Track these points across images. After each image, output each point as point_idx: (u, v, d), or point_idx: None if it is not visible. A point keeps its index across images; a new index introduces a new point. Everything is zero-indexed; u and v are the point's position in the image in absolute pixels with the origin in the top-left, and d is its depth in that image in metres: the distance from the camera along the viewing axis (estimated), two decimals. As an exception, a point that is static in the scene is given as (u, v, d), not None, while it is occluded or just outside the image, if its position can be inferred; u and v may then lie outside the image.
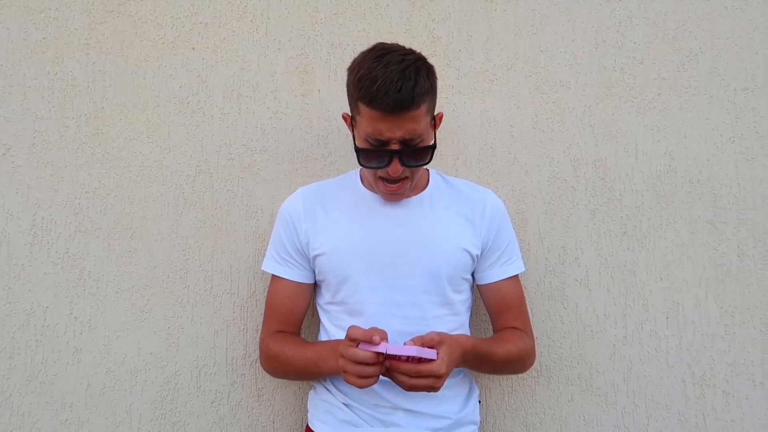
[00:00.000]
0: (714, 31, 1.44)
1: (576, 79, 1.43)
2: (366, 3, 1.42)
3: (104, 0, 1.36)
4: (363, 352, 0.95)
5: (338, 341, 1.09)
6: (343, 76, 1.39)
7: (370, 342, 0.94)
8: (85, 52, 1.34)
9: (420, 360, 0.96)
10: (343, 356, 0.97)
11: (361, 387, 0.97)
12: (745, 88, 1.42)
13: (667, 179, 1.41)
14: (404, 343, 0.98)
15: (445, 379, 0.98)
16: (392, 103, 0.99)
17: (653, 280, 1.39)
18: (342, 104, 1.38)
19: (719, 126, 1.42)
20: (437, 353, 0.97)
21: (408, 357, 0.95)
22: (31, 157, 1.31)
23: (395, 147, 1.04)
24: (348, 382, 0.97)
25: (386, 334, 0.99)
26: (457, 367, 1.08)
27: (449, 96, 1.41)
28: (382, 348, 0.93)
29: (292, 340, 1.18)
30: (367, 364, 0.95)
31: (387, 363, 0.97)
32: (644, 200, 1.41)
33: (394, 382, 0.99)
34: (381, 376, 0.98)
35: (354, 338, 0.96)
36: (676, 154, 1.42)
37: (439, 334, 1.01)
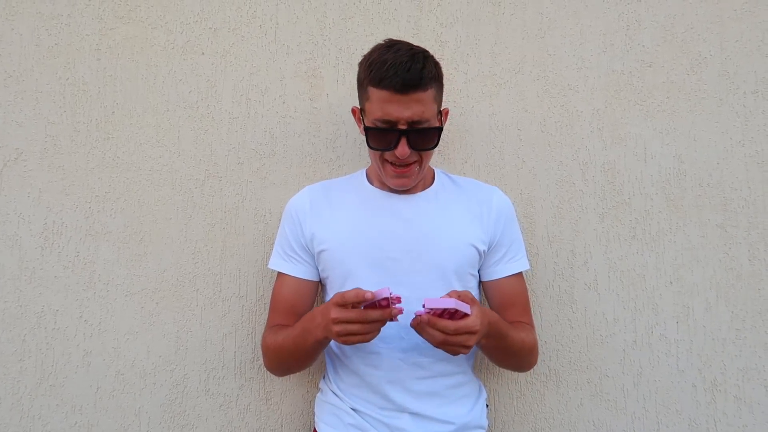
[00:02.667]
0: (723, 34, 1.43)
1: (584, 82, 1.43)
2: (374, 8, 1.42)
3: (115, 6, 1.37)
4: (374, 312, 0.95)
5: (317, 307, 1.06)
6: (350, 81, 1.40)
7: (363, 299, 0.94)
8: (96, 57, 1.36)
9: (453, 315, 0.96)
10: (341, 320, 0.96)
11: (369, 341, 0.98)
12: (755, 91, 1.42)
13: (676, 183, 1.40)
14: (441, 297, 0.98)
15: (477, 339, 0.98)
16: (401, 82, 1.02)
17: (663, 284, 1.38)
18: (350, 108, 1.39)
19: (729, 129, 1.41)
20: (471, 309, 0.97)
21: (443, 311, 0.95)
22: (42, 162, 1.33)
23: (403, 127, 1.06)
24: (347, 342, 0.98)
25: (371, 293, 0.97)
26: (483, 336, 1.04)
27: (457, 100, 1.41)
28: (385, 292, 0.93)
29: (283, 328, 1.15)
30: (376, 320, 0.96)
31: (425, 317, 0.95)
32: (653, 204, 1.40)
33: (424, 336, 0.98)
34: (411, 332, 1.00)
35: (348, 301, 0.95)
36: (686, 157, 1.41)
37: (465, 293, 1.01)
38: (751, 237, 1.39)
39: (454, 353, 1.00)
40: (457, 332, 0.95)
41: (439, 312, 0.96)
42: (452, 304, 0.93)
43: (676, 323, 1.38)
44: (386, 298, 0.94)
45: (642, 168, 1.41)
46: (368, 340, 0.98)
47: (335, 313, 0.96)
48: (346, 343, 0.98)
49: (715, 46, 1.43)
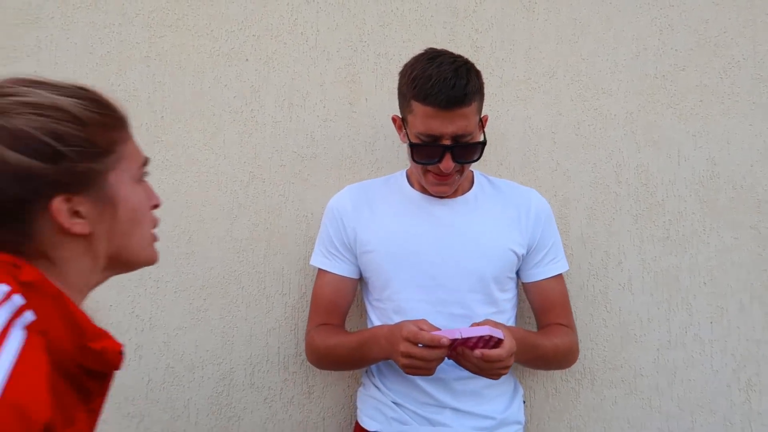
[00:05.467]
0: (756, 38, 1.45)
1: (618, 86, 1.45)
2: (411, 14, 1.46)
3: (163, 15, 1.43)
4: (435, 352, 0.99)
5: (381, 328, 1.12)
6: (389, 85, 1.44)
7: (439, 345, 0.98)
8: (145, 64, 1.42)
9: (488, 341, 1.00)
10: (411, 356, 1.00)
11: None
12: (788, 94, 1.43)
13: (710, 185, 1.42)
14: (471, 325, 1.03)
15: (511, 363, 1.03)
16: (446, 99, 1.04)
17: (697, 285, 1.40)
18: (388, 112, 1.42)
19: (762, 132, 1.43)
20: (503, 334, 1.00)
21: (478, 339, 0.99)
22: (96, 164, 1.39)
23: (447, 143, 1.08)
24: (411, 374, 1.03)
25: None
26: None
27: (492, 104, 1.44)
28: (456, 333, 0.98)
29: (335, 331, 1.21)
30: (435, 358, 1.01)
31: (459, 349, 1.01)
32: (687, 205, 1.42)
33: (461, 365, 1.04)
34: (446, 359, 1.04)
35: (421, 342, 0.99)
36: (719, 159, 1.43)
37: (494, 322, 1.06)
38: (785, 238, 1.40)
39: (493, 378, 1.05)
40: (491, 364, 1.00)
41: (474, 341, 0.99)
42: (486, 331, 0.98)
43: (711, 324, 1.39)
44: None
45: (675, 170, 1.43)
46: (432, 374, 1.03)
47: (404, 348, 1.00)
48: (411, 374, 1.04)
49: (748, 49, 1.44)
